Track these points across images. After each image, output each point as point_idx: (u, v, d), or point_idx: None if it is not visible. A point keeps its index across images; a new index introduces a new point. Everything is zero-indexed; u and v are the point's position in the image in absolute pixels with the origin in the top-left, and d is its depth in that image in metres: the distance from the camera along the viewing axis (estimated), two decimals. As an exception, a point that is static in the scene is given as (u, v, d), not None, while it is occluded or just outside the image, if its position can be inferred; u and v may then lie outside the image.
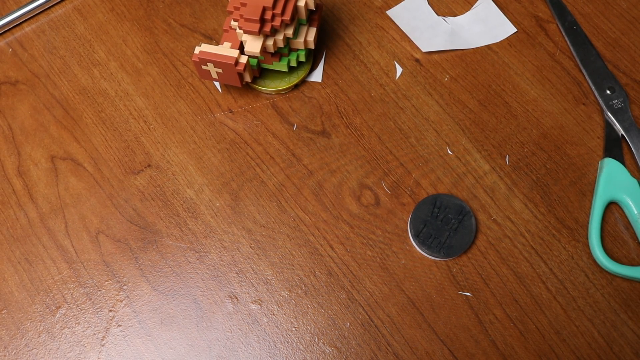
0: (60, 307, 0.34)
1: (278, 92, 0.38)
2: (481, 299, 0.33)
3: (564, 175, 0.36)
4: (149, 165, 0.37)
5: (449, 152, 0.36)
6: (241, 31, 0.34)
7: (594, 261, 0.33)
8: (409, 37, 0.40)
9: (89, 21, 0.41)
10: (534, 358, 0.32)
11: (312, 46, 0.36)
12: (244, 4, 0.32)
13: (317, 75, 0.39)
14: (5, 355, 0.33)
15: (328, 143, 0.37)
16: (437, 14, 0.41)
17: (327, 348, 0.32)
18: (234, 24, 0.34)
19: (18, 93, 0.39)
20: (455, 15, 0.41)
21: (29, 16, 0.41)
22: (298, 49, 0.36)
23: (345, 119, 0.38)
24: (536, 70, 0.39)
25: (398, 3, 0.41)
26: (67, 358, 0.32)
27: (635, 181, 0.34)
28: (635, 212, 0.33)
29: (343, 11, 0.41)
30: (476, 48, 0.39)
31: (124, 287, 0.34)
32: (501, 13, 0.40)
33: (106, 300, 0.34)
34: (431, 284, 0.33)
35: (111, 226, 0.35)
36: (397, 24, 0.40)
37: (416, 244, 0.34)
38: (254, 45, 0.34)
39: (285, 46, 0.35)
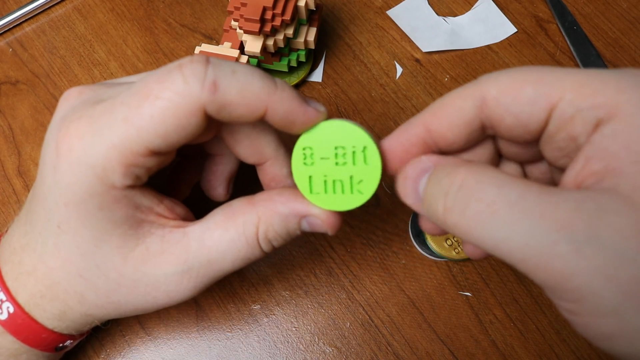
0: (60, 307, 0.34)
1: (278, 92, 0.38)
2: (481, 299, 0.33)
3: (564, 175, 0.36)
4: (149, 165, 0.37)
5: (449, 152, 0.36)
6: (241, 31, 0.34)
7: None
8: (409, 37, 0.40)
9: (89, 21, 0.41)
10: (534, 358, 0.32)
11: (312, 46, 0.36)
12: (244, 4, 0.32)
13: (317, 76, 0.39)
14: (5, 355, 0.33)
15: (328, 143, 0.37)
16: (438, 14, 0.41)
17: (327, 348, 0.32)
18: (234, 23, 0.34)
19: (18, 93, 0.39)
20: (455, 15, 0.41)
21: (29, 16, 0.41)
22: (298, 49, 0.36)
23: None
24: (536, 71, 0.39)
25: (398, 3, 0.41)
26: (67, 358, 0.32)
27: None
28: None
29: (343, 11, 0.41)
30: (476, 48, 0.39)
31: (124, 287, 0.34)
32: (501, 13, 0.40)
33: (106, 300, 0.34)
34: (431, 284, 0.33)
35: (111, 226, 0.35)
36: (398, 24, 0.40)
37: (416, 244, 0.34)
38: (254, 45, 0.34)
39: (285, 46, 0.35)
